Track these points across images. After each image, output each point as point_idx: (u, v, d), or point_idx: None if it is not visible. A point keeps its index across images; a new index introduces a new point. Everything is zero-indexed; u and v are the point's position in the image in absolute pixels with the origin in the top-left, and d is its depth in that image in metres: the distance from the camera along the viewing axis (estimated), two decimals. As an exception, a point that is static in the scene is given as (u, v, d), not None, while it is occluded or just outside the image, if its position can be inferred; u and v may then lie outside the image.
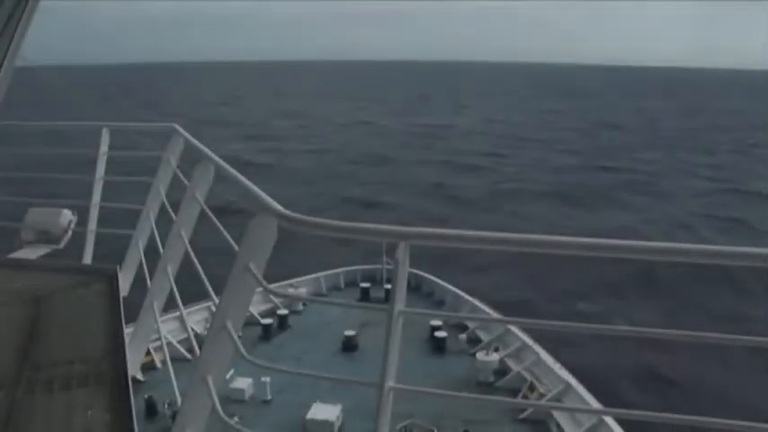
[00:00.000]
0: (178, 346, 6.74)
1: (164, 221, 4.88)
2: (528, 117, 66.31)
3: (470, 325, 8.03)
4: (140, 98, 78.82)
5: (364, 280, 9.57)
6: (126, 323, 4.29)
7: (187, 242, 4.05)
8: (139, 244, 5.35)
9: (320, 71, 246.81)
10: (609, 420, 5.57)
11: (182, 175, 4.79)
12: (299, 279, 9.38)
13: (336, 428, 5.83)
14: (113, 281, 4.88)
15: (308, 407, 5.98)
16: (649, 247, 2.03)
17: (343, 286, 9.73)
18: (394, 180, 30.37)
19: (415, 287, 9.39)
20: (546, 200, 26.76)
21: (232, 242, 2.89)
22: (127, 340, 4.11)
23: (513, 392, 6.57)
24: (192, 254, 3.74)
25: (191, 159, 4.72)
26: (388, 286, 2.43)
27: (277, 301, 8.47)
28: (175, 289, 4.10)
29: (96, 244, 5.83)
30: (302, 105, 76.18)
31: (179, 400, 3.17)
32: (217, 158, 3.89)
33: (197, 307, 7.51)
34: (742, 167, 37.38)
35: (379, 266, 9.70)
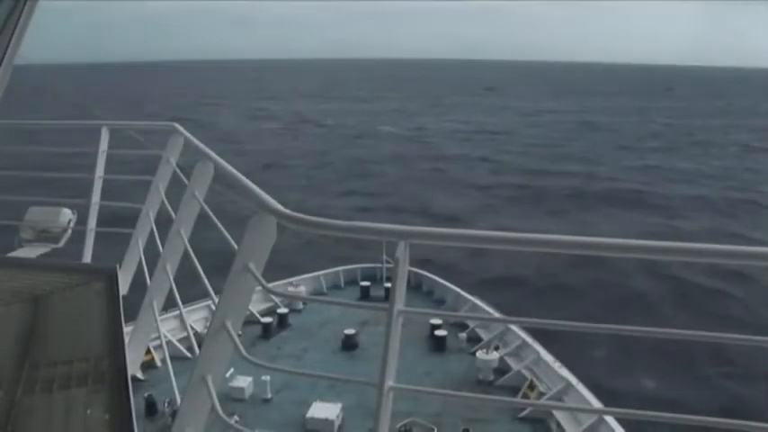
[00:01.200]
0: (178, 344, 6.74)
1: (163, 220, 4.88)
2: (522, 118, 63.81)
3: (470, 323, 8.04)
4: (123, 97, 76.21)
5: (364, 278, 9.58)
6: (126, 322, 4.29)
7: (186, 241, 4.05)
8: (139, 243, 5.35)
9: (321, 69, 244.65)
10: (609, 419, 5.58)
11: (181, 174, 4.79)
12: (298, 278, 9.39)
13: (336, 427, 5.83)
14: (113, 280, 4.88)
15: (308, 405, 5.99)
16: (647, 245, 2.03)
17: (343, 285, 9.74)
18: (370, 191, 28.29)
19: (415, 286, 9.40)
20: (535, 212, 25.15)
21: (231, 241, 2.88)
22: (126, 339, 4.10)
23: (514, 391, 6.57)
24: (191, 252, 3.74)
25: (190, 158, 4.73)
26: (389, 285, 2.43)
27: (277, 299, 8.48)
28: (175, 288, 4.10)
29: (96, 243, 5.82)
30: (291, 105, 74.32)
31: (179, 399, 3.17)
32: (216, 157, 3.88)
33: (197, 306, 7.51)
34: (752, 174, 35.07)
35: (379, 265, 9.70)
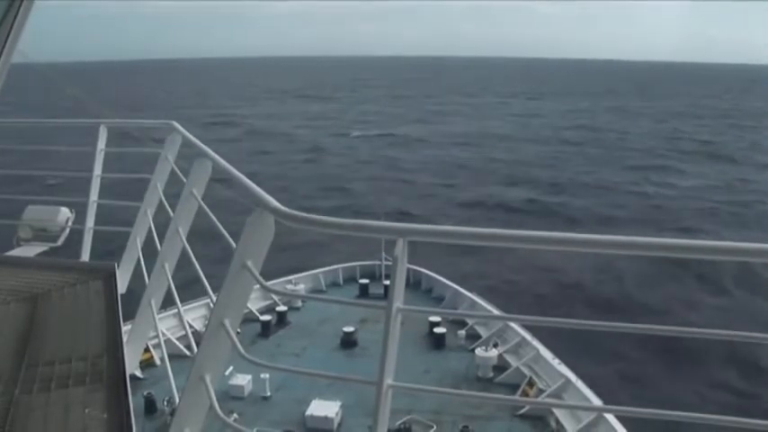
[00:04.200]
0: (177, 342, 6.74)
1: (161, 218, 4.87)
2: (507, 123, 57.11)
3: (469, 321, 8.05)
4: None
5: (363, 276, 9.59)
6: (124, 320, 4.28)
7: (185, 239, 4.04)
8: (137, 241, 5.33)
9: (317, 67, 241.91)
10: (608, 416, 5.59)
11: (179, 173, 4.77)
12: (297, 275, 9.40)
13: (336, 425, 5.84)
14: (111, 278, 4.87)
15: (308, 403, 6.00)
16: (638, 242, 2.02)
17: (342, 282, 9.75)
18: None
19: (415, 283, 9.41)
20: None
21: (230, 239, 2.87)
22: (125, 338, 4.09)
23: (513, 388, 6.58)
24: (189, 251, 3.73)
25: (189, 156, 4.71)
26: (388, 282, 2.41)
27: (276, 297, 8.49)
28: (173, 286, 4.09)
29: (94, 241, 5.81)
30: (264, 107, 69.86)
31: (177, 397, 3.17)
32: (214, 155, 3.87)
33: (195, 304, 7.52)
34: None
35: (378, 263, 9.71)
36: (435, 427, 5.76)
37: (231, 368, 6.36)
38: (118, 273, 5.02)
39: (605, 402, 5.67)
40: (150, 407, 5.97)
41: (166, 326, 6.73)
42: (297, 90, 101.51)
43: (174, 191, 4.58)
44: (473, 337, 7.76)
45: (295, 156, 38.53)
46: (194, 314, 7.54)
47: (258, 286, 2.70)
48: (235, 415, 5.86)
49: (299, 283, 9.18)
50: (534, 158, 38.23)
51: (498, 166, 35.79)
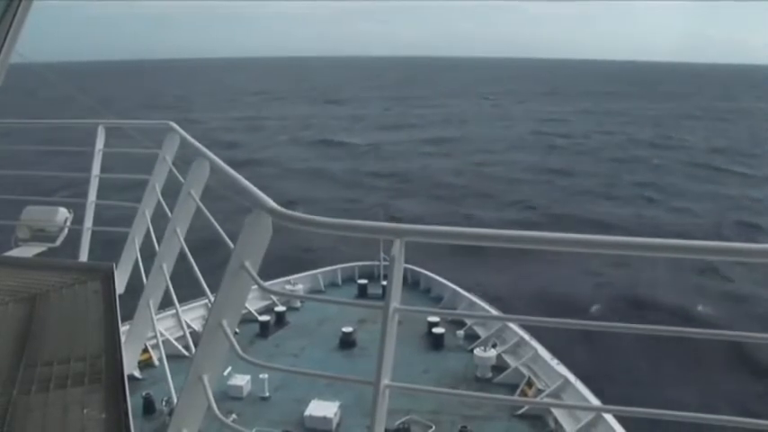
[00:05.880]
0: (176, 343, 6.74)
1: (160, 219, 4.87)
2: (498, 128, 54.66)
3: (468, 321, 8.05)
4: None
5: (362, 276, 9.59)
6: (122, 321, 4.28)
7: (183, 239, 4.04)
8: (135, 241, 5.33)
9: (315, 67, 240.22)
10: (607, 416, 5.59)
11: (177, 173, 4.77)
12: (296, 276, 9.40)
13: (335, 425, 5.84)
14: (109, 278, 4.86)
15: (307, 403, 6.00)
16: (639, 243, 2.02)
17: (340, 283, 9.75)
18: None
19: (413, 283, 9.42)
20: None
21: (227, 239, 2.87)
22: (123, 338, 4.09)
23: (512, 388, 6.59)
24: (187, 251, 3.73)
25: (187, 157, 4.70)
26: (386, 283, 2.42)
27: (275, 297, 8.49)
28: (171, 286, 4.09)
29: (92, 241, 5.81)
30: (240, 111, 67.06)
31: (176, 398, 3.17)
32: (212, 155, 3.87)
33: (194, 304, 7.51)
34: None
35: (376, 263, 9.71)
36: (434, 427, 5.76)
37: (230, 368, 6.36)
38: (116, 273, 5.02)
39: (604, 402, 5.67)
40: (149, 407, 5.96)
41: (165, 326, 6.72)
42: (288, 91, 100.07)
43: (172, 191, 4.58)
44: (472, 337, 7.76)
45: (263, 168, 34.30)
46: (193, 314, 7.53)
47: (256, 286, 2.70)
48: (233, 415, 5.86)
49: (297, 284, 9.18)
50: (521, 172, 34.81)
51: (478, 181, 32.47)
